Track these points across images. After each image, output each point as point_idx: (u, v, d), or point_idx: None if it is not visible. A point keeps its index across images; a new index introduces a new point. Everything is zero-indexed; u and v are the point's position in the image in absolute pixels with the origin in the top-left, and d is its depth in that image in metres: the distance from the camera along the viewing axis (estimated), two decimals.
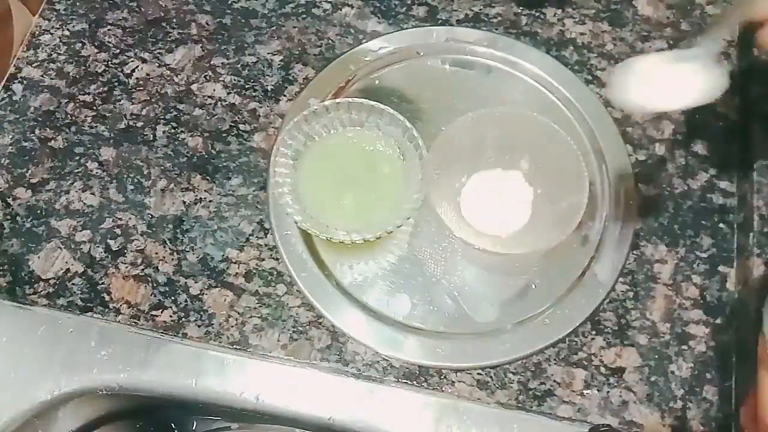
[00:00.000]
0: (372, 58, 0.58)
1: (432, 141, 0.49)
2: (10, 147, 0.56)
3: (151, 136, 0.56)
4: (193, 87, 0.58)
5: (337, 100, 0.50)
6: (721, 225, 0.52)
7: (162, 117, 0.57)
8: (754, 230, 0.50)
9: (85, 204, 0.54)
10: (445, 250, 0.52)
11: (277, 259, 0.51)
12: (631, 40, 0.58)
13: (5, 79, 0.58)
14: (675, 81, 0.43)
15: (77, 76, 0.58)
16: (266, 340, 0.49)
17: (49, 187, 0.54)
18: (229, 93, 0.57)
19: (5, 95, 0.58)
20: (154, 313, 0.50)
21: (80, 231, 0.53)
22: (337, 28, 0.59)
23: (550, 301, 0.50)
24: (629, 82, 0.44)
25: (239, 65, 0.58)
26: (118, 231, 0.53)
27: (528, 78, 0.57)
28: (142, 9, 0.61)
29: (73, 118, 0.57)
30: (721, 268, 0.51)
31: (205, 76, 0.58)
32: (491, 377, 0.48)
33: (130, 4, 0.61)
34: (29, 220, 0.53)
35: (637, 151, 0.54)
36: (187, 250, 0.52)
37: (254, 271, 0.51)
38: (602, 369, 0.48)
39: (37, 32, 0.60)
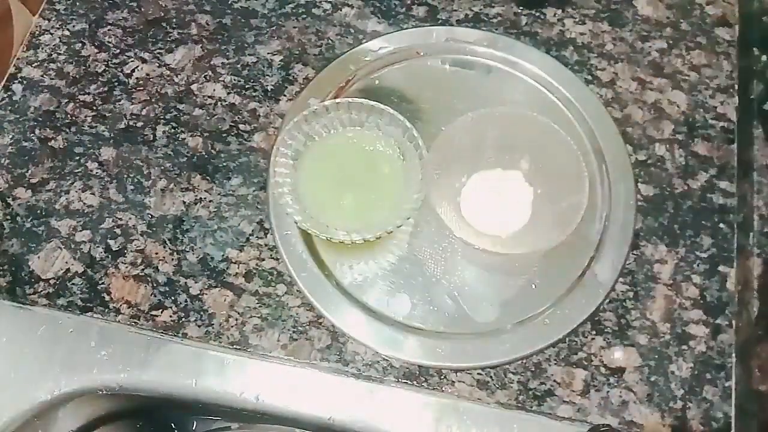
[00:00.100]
0: (372, 58, 0.58)
1: (432, 141, 0.49)
2: (10, 147, 0.56)
3: (151, 136, 0.56)
4: (193, 87, 0.58)
5: (337, 100, 0.50)
6: (721, 225, 0.52)
7: (162, 117, 0.57)
8: (754, 230, 0.50)
9: (85, 204, 0.54)
10: (445, 250, 0.52)
11: (277, 259, 0.51)
12: (631, 40, 0.59)
13: (5, 79, 0.58)
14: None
15: (77, 76, 0.58)
16: (266, 340, 0.49)
17: (49, 187, 0.54)
18: (229, 93, 0.57)
19: (5, 95, 0.58)
20: (154, 313, 0.50)
21: (80, 231, 0.53)
22: (337, 28, 0.59)
23: (550, 301, 0.50)
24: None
25: (239, 65, 0.58)
26: (118, 231, 0.53)
27: (528, 78, 0.57)
28: (142, 9, 0.61)
29: (73, 118, 0.57)
30: (721, 268, 0.51)
31: (205, 76, 0.58)
32: (491, 377, 0.48)
33: (130, 4, 0.61)
34: (29, 220, 0.53)
35: (637, 151, 0.54)
36: (187, 250, 0.52)
37: (254, 271, 0.51)
38: (602, 369, 0.48)
39: (37, 32, 0.60)
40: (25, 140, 0.56)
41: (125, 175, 0.55)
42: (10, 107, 0.57)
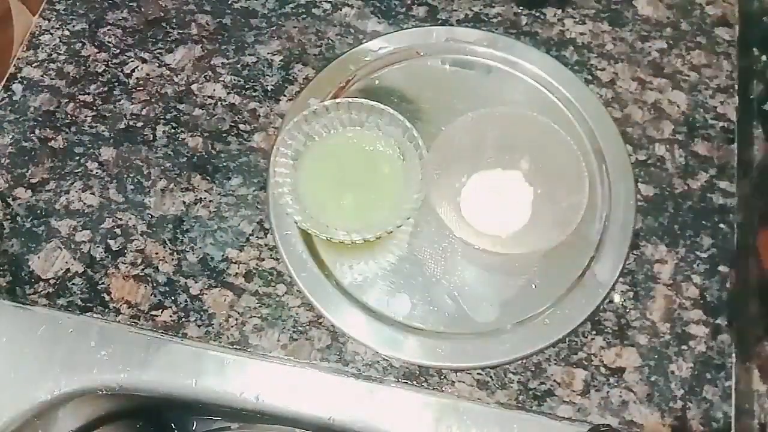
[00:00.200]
0: (372, 58, 0.58)
1: (432, 141, 0.49)
2: (10, 147, 0.56)
3: (151, 136, 0.56)
4: (193, 87, 0.58)
5: (337, 100, 0.50)
6: (721, 225, 0.52)
7: (162, 117, 0.57)
8: (754, 230, 0.50)
9: (85, 204, 0.54)
10: (445, 250, 0.52)
11: (277, 259, 0.51)
12: (631, 40, 0.59)
13: (5, 79, 0.58)
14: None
15: (77, 76, 0.58)
16: (266, 340, 0.49)
17: (49, 187, 0.54)
18: (229, 93, 0.57)
19: (5, 95, 0.58)
20: (154, 313, 0.50)
21: (80, 231, 0.53)
22: (337, 28, 0.59)
23: (550, 301, 0.50)
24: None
25: (239, 65, 0.58)
26: (118, 231, 0.53)
27: (528, 78, 0.57)
28: (142, 9, 0.61)
29: (73, 118, 0.57)
30: (721, 268, 0.51)
31: (205, 76, 0.58)
32: (491, 377, 0.48)
33: (130, 4, 0.61)
34: (29, 220, 0.53)
35: (637, 151, 0.54)
36: (187, 250, 0.52)
37: (254, 271, 0.51)
38: (602, 369, 0.48)
39: (37, 32, 0.60)
40: (25, 140, 0.56)
41: (125, 175, 0.55)
42: (10, 107, 0.57)
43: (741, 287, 0.50)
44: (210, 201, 0.54)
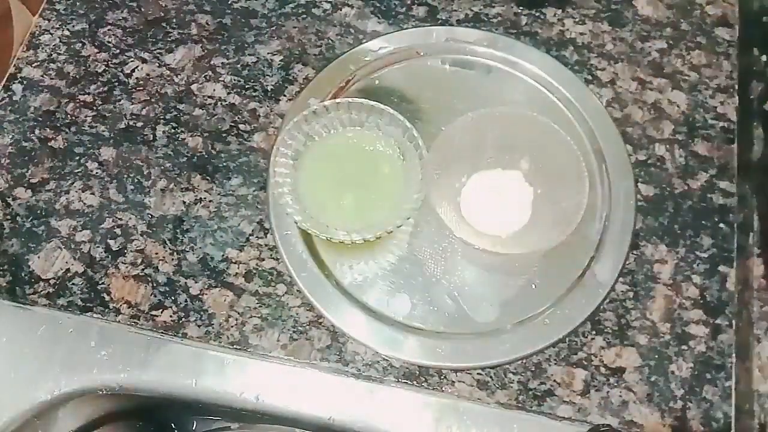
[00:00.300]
0: (372, 58, 0.58)
1: (432, 141, 0.49)
2: (10, 147, 0.56)
3: (151, 136, 0.56)
4: (193, 87, 0.58)
5: (337, 100, 0.50)
6: (721, 225, 0.52)
7: (162, 117, 0.57)
8: (754, 230, 0.50)
9: (85, 204, 0.54)
10: (445, 250, 0.52)
11: (277, 259, 0.51)
12: (631, 40, 0.59)
13: (5, 79, 0.58)
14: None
15: (77, 76, 0.58)
16: (266, 340, 0.49)
17: (49, 187, 0.54)
18: (229, 93, 0.57)
19: (5, 95, 0.58)
20: (154, 313, 0.50)
21: (80, 231, 0.53)
22: (337, 28, 0.59)
23: (550, 301, 0.50)
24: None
25: (239, 65, 0.58)
26: (118, 231, 0.53)
27: (528, 78, 0.57)
28: (142, 9, 0.61)
29: (73, 118, 0.57)
30: (721, 268, 0.51)
31: (205, 76, 0.58)
32: (491, 377, 0.48)
33: (130, 4, 0.61)
34: (29, 220, 0.53)
35: (637, 151, 0.54)
36: (187, 250, 0.52)
37: (254, 271, 0.51)
38: (602, 369, 0.48)
39: (37, 32, 0.60)
40: (25, 140, 0.56)
41: (125, 175, 0.55)
42: (10, 107, 0.57)
43: (741, 287, 0.50)
44: (210, 201, 0.54)
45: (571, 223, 0.46)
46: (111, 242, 0.52)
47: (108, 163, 0.55)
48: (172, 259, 0.52)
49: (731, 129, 0.55)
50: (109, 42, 0.60)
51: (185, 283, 0.51)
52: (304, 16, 0.60)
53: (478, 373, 0.48)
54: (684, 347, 0.49)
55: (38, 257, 0.52)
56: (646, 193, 0.53)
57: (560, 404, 0.47)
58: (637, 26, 0.59)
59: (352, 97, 0.53)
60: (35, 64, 0.59)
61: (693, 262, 0.51)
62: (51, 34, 0.60)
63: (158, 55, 0.59)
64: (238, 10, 0.61)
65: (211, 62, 0.59)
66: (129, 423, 0.56)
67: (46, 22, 0.61)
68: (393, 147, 0.51)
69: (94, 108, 0.57)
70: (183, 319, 0.50)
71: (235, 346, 0.49)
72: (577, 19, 0.59)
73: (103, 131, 0.56)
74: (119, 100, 0.57)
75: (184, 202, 0.54)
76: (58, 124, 0.57)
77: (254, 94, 0.57)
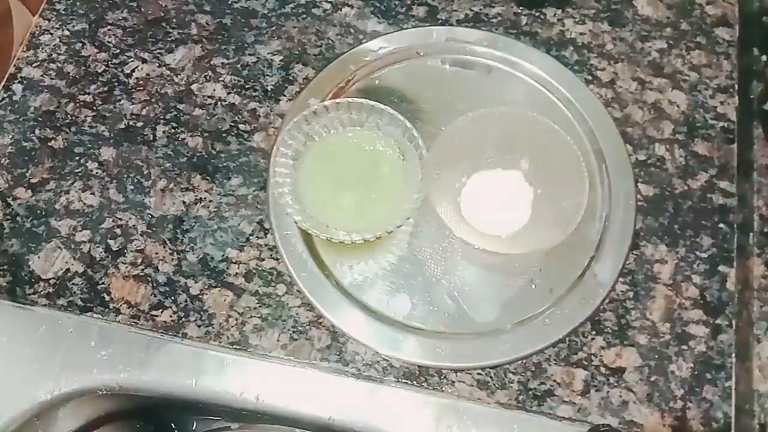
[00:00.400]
0: (372, 58, 0.58)
1: (432, 141, 0.49)
2: (10, 147, 0.56)
3: (151, 136, 0.56)
4: (193, 87, 0.58)
5: (337, 100, 0.50)
6: (721, 225, 0.52)
7: (162, 117, 0.57)
8: (754, 230, 0.50)
9: (85, 204, 0.54)
10: (445, 250, 0.52)
11: (277, 259, 0.51)
12: (631, 40, 0.59)
13: (5, 79, 0.58)
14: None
15: (77, 76, 0.58)
16: (266, 340, 0.49)
17: (49, 187, 0.54)
18: (229, 93, 0.57)
19: (5, 95, 0.58)
20: (154, 313, 0.50)
21: (80, 231, 0.53)
22: (337, 28, 0.59)
23: (550, 301, 0.50)
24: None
25: (239, 65, 0.58)
26: (118, 231, 0.53)
27: (528, 78, 0.57)
28: (142, 9, 0.61)
29: (73, 118, 0.57)
30: (721, 268, 0.51)
31: (205, 76, 0.58)
32: (491, 377, 0.48)
33: (130, 4, 0.61)
34: (29, 220, 0.53)
35: (637, 151, 0.54)
36: (187, 250, 0.52)
37: (254, 271, 0.51)
38: (602, 369, 0.48)
39: (37, 32, 0.60)
40: (25, 140, 0.56)
41: (125, 175, 0.55)
42: (10, 107, 0.57)
43: (741, 287, 0.50)
44: (210, 201, 0.54)
45: (571, 223, 0.46)
46: (111, 242, 0.52)
47: (108, 163, 0.55)
48: (172, 259, 0.52)
49: (731, 129, 0.55)
50: (109, 42, 0.60)
51: (185, 283, 0.51)
52: (304, 16, 0.60)
53: (478, 373, 0.48)
54: (684, 347, 0.49)
55: (38, 257, 0.52)
56: (646, 193, 0.53)
57: (560, 404, 0.47)
58: (637, 26, 0.59)
59: (352, 97, 0.54)
60: (35, 64, 0.59)
61: (693, 262, 0.51)
62: (51, 34, 0.60)
63: (158, 55, 0.59)
64: (238, 10, 0.61)
65: (211, 62, 0.59)
66: (129, 423, 0.56)
67: (46, 22, 0.61)
68: (393, 147, 0.51)
69: (94, 108, 0.57)
70: (183, 319, 0.50)
71: (235, 346, 0.49)
72: (577, 19, 0.59)
73: (103, 131, 0.56)
74: (119, 100, 0.57)
75: (184, 202, 0.54)
76: (58, 124, 0.57)
77: (254, 94, 0.57)
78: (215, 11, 0.61)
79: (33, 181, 0.55)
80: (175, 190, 0.54)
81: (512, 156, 0.51)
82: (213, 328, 0.50)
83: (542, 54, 0.58)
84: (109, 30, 0.60)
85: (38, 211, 0.54)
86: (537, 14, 0.60)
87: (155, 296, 0.51)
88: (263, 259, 0.52)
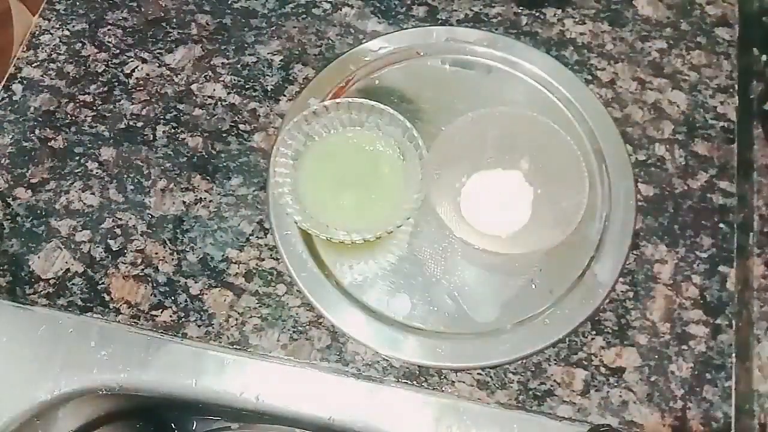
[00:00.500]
0: (372, 58, 0.58)
1: (432, 141, 0.49)
2: (10, 147, 0.56)
3: (151, 136, 0.56)
4: (193, 87, 0.58)
5: (337, 100, 0.50)
6: (721, 225, 0.52)
7: (162, 117, 0.57)
8: (754, 230, 0.50)
9: (85, 204, 0.54)
10: (445, 250, 0.52)
11: (277, 259, 0.51)
12: (631, 40, 0.59)
13: (5, 79, 0.58)
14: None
15: (77, 76, 0.58)
16: (266, 340, 0.49)
17: (49, 187, 0.54)
18: (229, 93, 0.57)
19: (5, 95, 0.58)
20: (154, 313, 0.50)
21: (80, 231, 0.53)
22: (337, 28, 0.59)
23: (550, 301, 0.50)
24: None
25: (239, 65, 0.58)
26: (118, 231, 0.53)
27: (528, 78, 0.57)
28: (142, 9, 0.61)
29: (73, 118, 0.57)
30: (721, 268, 0.51)
31: (205, 76, 0.58)
32: (491, 377, 0.48)
33: (130, 4, 0.61)
34: (29, 220, 0.53)
35: (637, 151, 0.54)
36: (187, 250, 0.52)
37: (254, 271, 0.51)
38: (602, 369, 0.48)
39: (37, 32, 0.60)
40: (25, 140, 0.56)
41: (125, 175, 0.55)
42: (10, 107, 0.57)
43: (741, 287, 0.50)
44: (210, 201, 0.54)
45: (571, 223, 0.46)
46: (111, 242, 0.52)
47: (108, 163, 0.55)
48: (172, 259, 0.52)
49: (731, 129, 0.55)
50: (109, 42, 0.60)
51: (185, 283, 0.51)
52: (304, 16, 0.60)
53: (478, 373, 0.48)
54: (684, 347, 0.49)
55: (38, 257, 0.52)
56: (646, 193, 0.53)
57: (560, 404, 0.47)
58: (637, 26, 0.59)
59: (352, 97, 0.53)
60: (35, 64, 0.59)
61: (693, 262, 0.51)
62: (51, 34, 0.60)
63: (158, 55, 0.59)
64: (238, 10, 0.61)
65: (211, 62, 0.59)
66: (129, 423, 0.56)
67: (46, 22, 0.61)
68: (393, 147, 0.51)
69: (94, 108, 0.57)
70: (183, 319, 0.50)
71: (235, 346, 0.49)
72: (577, 19, 0.59)
73: (103, 131, 0.56)
74: (119, 100, 0.57)
75: (184, 202, 0.54)
76: (58, 124, 0.57)
77: (254, 94, 0.57)
78: (215, 11, 0.61)
79: (33, 181, 0.55)
80: (175, 190, 0.54)
81: (512, 156, 0.51)
82: (213, 328, 0.50)
83: (542, 54, 0.58)
84: (109, 30, 0.60)
85: (38, 211, 0.54)
86: (537, 14, 0.60)
87: (155, 296, 0.51)
88: (263, 259, 0.52)
